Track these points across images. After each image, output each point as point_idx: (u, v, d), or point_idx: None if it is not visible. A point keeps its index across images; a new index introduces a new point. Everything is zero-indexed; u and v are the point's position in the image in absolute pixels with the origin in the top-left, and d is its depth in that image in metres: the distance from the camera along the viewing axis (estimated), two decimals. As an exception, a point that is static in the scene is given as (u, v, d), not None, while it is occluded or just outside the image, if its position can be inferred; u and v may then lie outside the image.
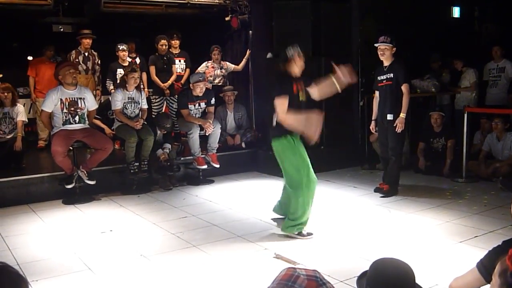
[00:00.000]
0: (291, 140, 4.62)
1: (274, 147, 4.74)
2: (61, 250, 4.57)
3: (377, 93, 6.44)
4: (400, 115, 6.06)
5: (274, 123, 4.64)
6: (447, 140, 7.33)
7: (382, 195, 6.22)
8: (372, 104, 7.88)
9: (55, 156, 6.09)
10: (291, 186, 4.69)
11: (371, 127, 6.61)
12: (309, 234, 4.74)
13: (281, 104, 4.53)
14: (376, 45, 6.19)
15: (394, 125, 6.08)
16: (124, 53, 8.20)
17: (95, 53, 8.66)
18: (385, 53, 6.12)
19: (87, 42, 8.42)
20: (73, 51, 8.44)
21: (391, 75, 6.13)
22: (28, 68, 8.63)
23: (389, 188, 6.27)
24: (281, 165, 4.73)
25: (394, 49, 6.11)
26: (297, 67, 4.66)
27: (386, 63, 6.19)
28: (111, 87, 8.13)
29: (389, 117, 6.15)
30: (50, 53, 8.78)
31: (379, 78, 6.31)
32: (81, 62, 8.33)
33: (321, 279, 1.97)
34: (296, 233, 4.69)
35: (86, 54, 8.47)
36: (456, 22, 9.91)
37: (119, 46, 8.19)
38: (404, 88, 6.07)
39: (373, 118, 6.55)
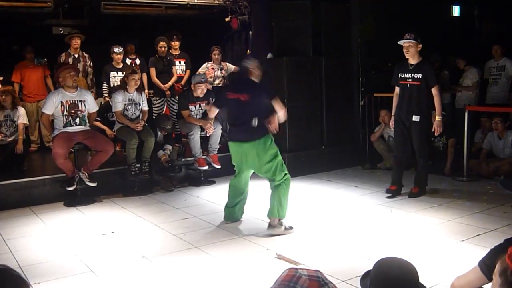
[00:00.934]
0: (271, 137, 5.02)
1: (260, 144, 4.89)
2: (63, 252, 4.57)
3: (397, 89, 6.21)
4: (437, 118, 5.90)
5: (255, 124, 4.86)
6: (448, 139, 7.33)
7: (411, 197, 6.09)
8: (373, 104, 7.92)
9: (56, 159, 6.09)
10: (277, 175, 4.95)
11: (390, 123, 6.41)
12: (291, 227, 5.00)
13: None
14: (400, 43, 5.95)
15: (433, 129, 5.96)
16: (119, 56, 8.13)
17: (87, 55, 8.55)
18: (409, 50, 5.89)
19: (75, 42, 8.32)
20: (63, 54, 8.31)
21: (419, 75, 5.91)
22: (12, 74, 8.46)
23: (419, 190, 6.17)
24: (266, 160, 4.92)
25: (420, 46, 5.89)
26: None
27: (413, 61, 5.96)
28: (105, 94, 8.13)
29: (415, 118, 5.95)
30: (30, 56, 8.61)
31: (402, 75, 6.07)
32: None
33: (323, 279, 1.96)
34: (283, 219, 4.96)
35: (76, 55, 8.37)
36: (456, 21, 9.92)
37: (114, 49, 8.13)
38: (435, 90, 5.87)
39: (392, 114, 6.32)
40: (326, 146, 8.06)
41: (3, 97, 7.06)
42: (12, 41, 9.68)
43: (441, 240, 4.55)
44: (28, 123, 7.48)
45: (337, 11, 8.25)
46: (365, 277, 2.03)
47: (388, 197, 6.16)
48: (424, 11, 8.77)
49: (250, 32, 8.63)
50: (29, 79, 8.52)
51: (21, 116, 7.12)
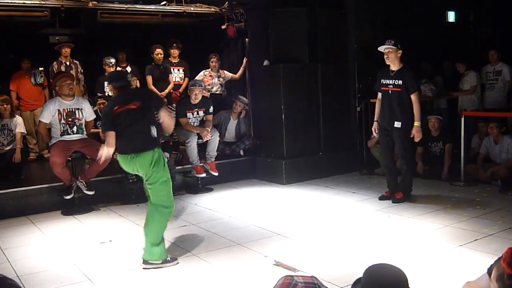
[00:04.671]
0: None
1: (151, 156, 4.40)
2: (61, 261, 4.57)
3: (379, 95, 6.29)
4: (415, 124, 5.92)
5: (155, 134, 4.45)
6: (445, 144, 7.34)
7: (395, 202, 6.09)
8: (370, 109, 7.93)
9: (54, 167, 6.09)
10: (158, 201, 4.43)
11: (373, 129, 6.42)
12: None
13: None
14: (380, 49, 6.03)
15: (412, 135, 5.97)
16: (111, 68, 8.22)
17: (77, 62, 8.65)
18: (389, 56, 5.95)
19: (65, 50, 8.42)
20: (54, 63, 8.40)
21: (400, 82, 5.96)
22: (9, 83, 8.54)
23: (403, 196, 6.17)
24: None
25: (400, 52, 5.94)
26: None
27: (394, 67, 6.02)
28: (98, 105, 8.13)
29: (397, 124, 6.00)
30: (26, 66, 8.65)
31: (384, 81, 6.14)
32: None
33: (319, 285, 1.97)
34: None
35: (68, 63, 8.46)
36: (452, 26, 9.97)
37: (106, 61, 8.19)
38: (414, 96, 5.92)
39: (375, 119, 6.38)
40: (323, 152, 8.06)
41: (4, 106, 7.07)
42: (9, 50, 9.68)
43: (439, 245, 4.55)
44: (25, 131, 7.48)
45: (333, 17, 8.28)
46: (356, 284, 2.04)
47: (379, 198, 6.34)
48: (419, 16, 8.81)
49: (247, 39, 8.65)
50: (25, 89, 8.54)
51: (19, 125, 7.11)
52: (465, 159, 7.02)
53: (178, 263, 4.38)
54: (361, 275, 2.03)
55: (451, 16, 9.95)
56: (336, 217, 5.70)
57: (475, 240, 4.61)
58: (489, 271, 2.23)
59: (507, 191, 6.36)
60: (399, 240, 4.75)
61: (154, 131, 4.44)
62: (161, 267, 4.26)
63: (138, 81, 8.19)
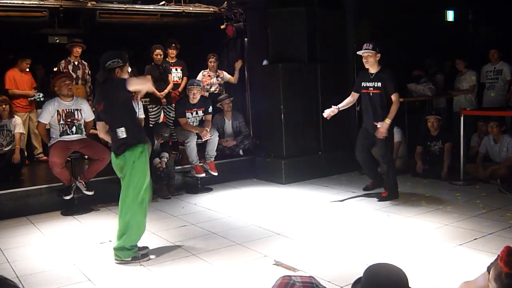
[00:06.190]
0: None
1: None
2: (61, 261, 4.56)
3: (355, 95, 6.43)
4: (385, 121, 6.01)
5: (123, 135, 4.46)
6: (444, 143, 7.34)
7: (380, 200, 6.22)
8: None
9: (53, 168, 6.09)
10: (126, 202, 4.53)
11: (331, 109, 6.35)
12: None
13: None
14: (359, 53, 6.18)
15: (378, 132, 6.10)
16: None
17: (85, 63, 8.59)
18: (368, 60, 6.08)
19: (76, 50, 8.36)
20: (62, 61, 8.32)
21: (379, 84, 6.08)
22: (6, 82, 8.32)
23: (388, 194, 6.25)
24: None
25: (379, 55, 6.06)
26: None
27: (372, 70, 6.14)
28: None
29: (379, 125, 6.09)
30: (25, 66, 8.49)
31: (363, 84, 6.26)
32: (71, 71, 8.28)
33: (317, 284, 1.98)
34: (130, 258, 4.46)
35: (76, 63, 8.40)
36: (451, 26, 9.97)
37: None
38: (394, 97, 6.01)
39: (337, 106, 6.40)
40: (323, 152, 8.06)
41: (3, 106, 7.06)
42: (8, 51, 9.68)
43: (439, 244, 4.55)
44: (25, 132, 7.46)
45: (332, 17, 8.27)
46: (356, 283, 2.04)
47: (363, 189, 6.67)
48: (418, 16, 8.82)
49: (246, 39, 8.66)
50: (22, 89, 8.47)
51: (18, 126, 7.11)
52: (464, 158, 7.03)
53: (149, 259, 4.46)
54: (361, 274, 2.03)
55: (450, 15, 9.96)
56: (335, 216, 5.70)
57: (474, 239, 4.62)
58: (489, 269, 2.23)
59: (506, 190, 6.37)
60: (398, 240, 4.75)
61: (122, 132, 4.42)
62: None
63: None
